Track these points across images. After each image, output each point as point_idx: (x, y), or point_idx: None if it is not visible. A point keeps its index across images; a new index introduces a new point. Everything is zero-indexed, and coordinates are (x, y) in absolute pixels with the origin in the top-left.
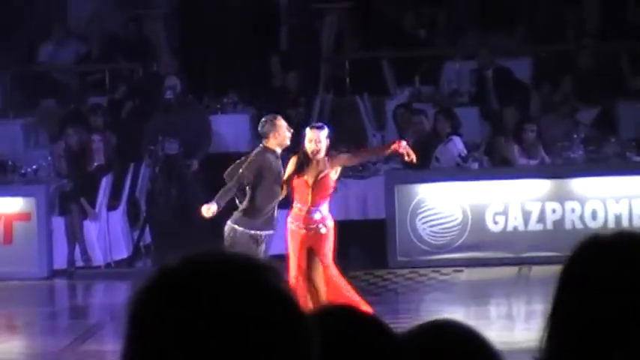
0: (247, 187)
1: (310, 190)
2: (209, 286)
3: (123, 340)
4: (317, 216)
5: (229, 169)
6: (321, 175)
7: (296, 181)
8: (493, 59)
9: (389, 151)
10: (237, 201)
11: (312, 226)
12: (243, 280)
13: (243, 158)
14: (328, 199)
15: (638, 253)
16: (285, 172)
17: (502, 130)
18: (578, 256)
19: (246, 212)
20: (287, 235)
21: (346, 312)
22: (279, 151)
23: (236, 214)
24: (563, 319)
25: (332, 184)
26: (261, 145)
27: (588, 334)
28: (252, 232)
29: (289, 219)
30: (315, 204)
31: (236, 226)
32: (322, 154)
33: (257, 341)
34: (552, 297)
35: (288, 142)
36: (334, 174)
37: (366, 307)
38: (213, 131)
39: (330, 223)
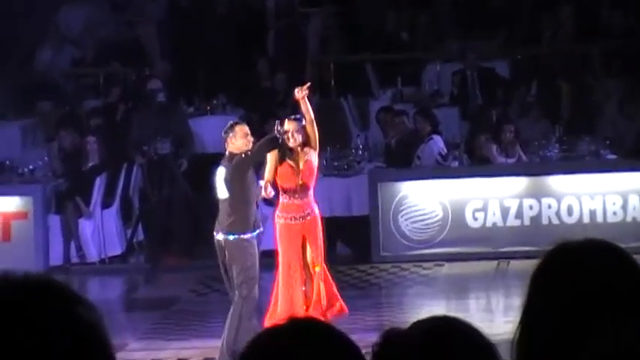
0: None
1: (300, 175)
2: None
3: None
4: (308, 202)
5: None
6: (307, 159)
7: (281, 170)
8: (477, 60)
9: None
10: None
11: (302, 214)
12: None
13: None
14: (312, 185)
15: (604, 259)
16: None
17: (481, 129)
18: (548, 261)
19: (237, 220)
20: (275, 232)
21: (313, 326)
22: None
23: (228, 225)
24: (534, 320)
25: (316, 167)
26: (223, 160)
27: (557, 334)
28: (249, 235)
29: (278, 214)
30: (305, 189)
31: (240, 236)
32: (300, 140)
33: None
34: (524, 298)
35: (246, 148)
36: (315, 157)
37: (343, 305)
38: (194, 133)
39: (317, 211)
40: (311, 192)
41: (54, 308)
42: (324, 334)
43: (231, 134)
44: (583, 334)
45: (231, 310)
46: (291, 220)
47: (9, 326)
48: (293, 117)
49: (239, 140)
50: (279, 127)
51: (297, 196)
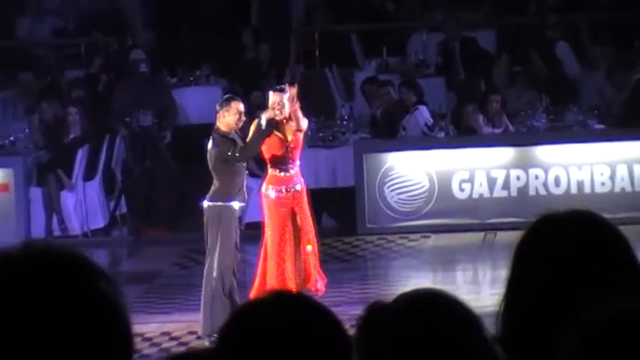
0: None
1: (288, 148)
2: None
3: None
4: (296, 174)
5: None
6: (295, 132)
7: (268, 142)
8: (460, 31)
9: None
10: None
11: (292, 186)
12: None
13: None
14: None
15: (588, 230)
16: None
17: (467, 100)
18: (532, 232)
19: (220, 189)
20: (262, 205)
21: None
22: (230, 133)
23: (212, 191)
24: (519, 292)
25: (302, 141)
26: (212, 132)
27: (542, 306)
28: (231, 204)
29: (266, 186)
30: (294, 160)
31: (218, 203)
32: (286, 113)
33: None
34: (508, 271)
35: (235, 126)
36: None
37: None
38: (178, 104)
39: (303, 182)
40: (298, 163)
41: (78, 284)
42: (307, 307)
43: (225, 109)
44: (567, 306)
45: (204, 281)
46: (280, 192)
47: (31, 301)
48: (278, 88)
49: (231, 117)
50: (262, 120)
51: (285, 167)
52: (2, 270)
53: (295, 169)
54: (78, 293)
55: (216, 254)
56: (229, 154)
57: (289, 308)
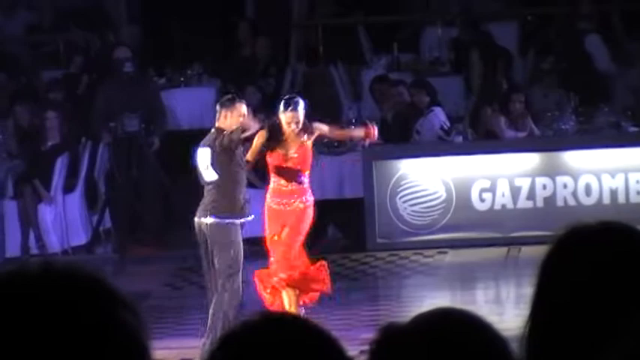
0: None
1: (291, 162)
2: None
3: None
4: (301, 188)
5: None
6: (302, 144)
7: (272, 157)
8: (476, 25)
9: (362, 136)
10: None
11: (292, 201)
12: None
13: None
14: (309, 170)
15: (622, 244)
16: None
17: (487, 100)
18: (560, 247)
19: (223, 202)
20: (265, 216)
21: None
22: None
23: (213, 207)
24: (545, 313)
25: (311, 153)
26: (212, 130)
27: (571, 328)
28: (234, 220)
29: (269, 197)
30: (298, 176)
31: (224, 220)
32: (299, 128)
33: None
34: (533, 289)
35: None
36: (310, 142)
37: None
38: (166, 107)
39: (311, 198)
40: (306, 179)
41: (98, 313)
42: (302, 331)
43: (227, 109)
44: (599, 329)
45: (213, 305)
46: (284, 205)
47: (47, 330)
48: (289, 107)
49: (233, 119)
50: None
51: (288, 183)
52: (18, 291)
53: (303, 185)
54: (97, 323)
55: (226, 279)
56: (236, 142)
57: (281, 330)
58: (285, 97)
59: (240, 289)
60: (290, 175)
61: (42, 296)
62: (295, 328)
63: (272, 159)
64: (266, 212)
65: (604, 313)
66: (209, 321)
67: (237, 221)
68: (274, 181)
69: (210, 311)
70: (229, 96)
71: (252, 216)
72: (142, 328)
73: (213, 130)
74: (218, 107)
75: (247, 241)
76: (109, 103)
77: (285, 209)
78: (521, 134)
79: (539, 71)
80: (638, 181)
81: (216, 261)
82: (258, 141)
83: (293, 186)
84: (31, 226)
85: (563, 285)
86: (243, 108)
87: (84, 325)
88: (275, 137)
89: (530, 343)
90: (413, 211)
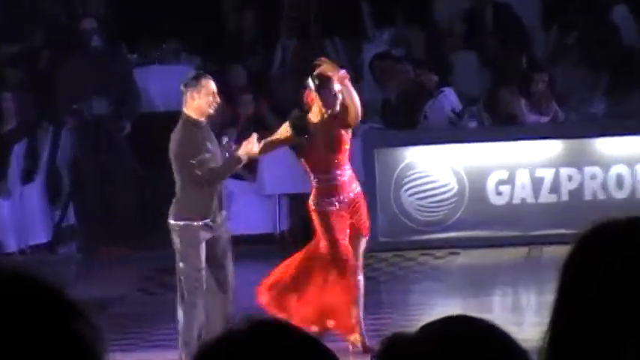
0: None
1: (331, 150)
2: None
3: None
4: (349, 176)
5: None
6: (338, 128)
7: (307, 153)
8: None
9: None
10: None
11: (348, 194)
12: None
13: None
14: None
15: None
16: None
17: (506, 80)
18: (585, 245)
19: (183, 201)
20: (317, 225)
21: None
22: (202, 121)
23: (173, 206)
24: (568, 320)
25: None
26: (180, 119)
27: (598, 337)
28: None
29: (314, 201)
30: (342, 164)
31: (184, 222)
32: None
33: None
34: (556, 290)
35: (209, 110)
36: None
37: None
38: (139, 87)
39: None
40: (347, 167)
41: (48, 324)
42: (286, 335)
43: (193, 89)
44: (629, 338)
45: (178, 315)
46: (338, 204)
47: None
48: (325, 87)
49: (202, 99)
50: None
51: (329, 177)
52: None
53: (345, 177)
54: (45, 336)
55: (184, 289)
56: (192, 162)
57: (266, 337)
58: (314, 75)
59: (198, 305)
60: (330, 169)
61: None
62: (284, 336)
63: (308, 155)
64: (319, 218)
65: (632, 312)
66: (180, 335)
67: (196, 223)
68: (318, 180)
69: (180, 327)
70: (193, 73)
71: (220, 220)
72: (99, 341)
73: (182, 114)
74: (183, 88)
75: (237, 239)
76: (74, 82)
77: (348, 206)
78: (544, 119)
79: (563, 47)
80: None
81: (176, 266)
82: (279, 138)
83: (342, 175)
84: None
85: (587, 283)
86: (211, 85)
87: (30, 339)
88: (302, 131)
89: (550, 355)
90: (420, 205)
